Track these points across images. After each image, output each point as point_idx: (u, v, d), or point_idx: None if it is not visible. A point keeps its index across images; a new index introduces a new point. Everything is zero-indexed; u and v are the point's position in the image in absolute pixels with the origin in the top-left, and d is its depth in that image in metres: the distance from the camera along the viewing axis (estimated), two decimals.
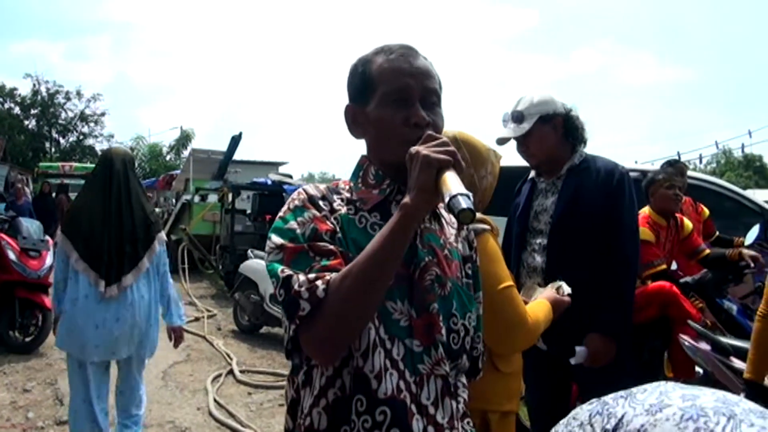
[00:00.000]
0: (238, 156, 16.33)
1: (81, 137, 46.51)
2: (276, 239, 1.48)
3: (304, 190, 1.56)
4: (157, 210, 21.01)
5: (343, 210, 1.54)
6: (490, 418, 2.18)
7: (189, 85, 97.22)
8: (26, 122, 44.32)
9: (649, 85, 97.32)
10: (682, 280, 4.81)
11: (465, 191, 1.26)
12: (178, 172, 23.11)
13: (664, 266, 4.59)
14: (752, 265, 4.71)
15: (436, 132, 1.49)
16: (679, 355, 4.45)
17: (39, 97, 44.20)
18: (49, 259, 7.53)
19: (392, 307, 1.46)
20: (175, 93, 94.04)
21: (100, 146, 46.56)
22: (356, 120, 1.63)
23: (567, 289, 2.38)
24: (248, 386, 6.49)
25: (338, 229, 1.49)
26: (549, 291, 2.38)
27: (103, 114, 46.50)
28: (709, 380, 4.05)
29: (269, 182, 13.52)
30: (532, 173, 3.44)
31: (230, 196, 12.92)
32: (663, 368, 4.77)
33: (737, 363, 3.78)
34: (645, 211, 4.85)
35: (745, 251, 4.81)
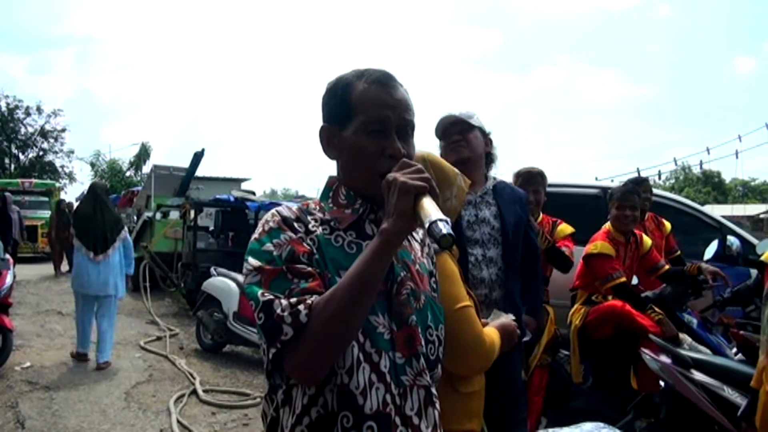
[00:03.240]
0: (200, 172, 16.24)
1: (41, 153, 45.80)
2: (253, 261, 1.49)
3: (278, 213, 1.57)
4: None
5: (319, 230, 1.56)
6: None
7: (151, 101, 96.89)
8: None
9: (609, 103, 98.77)
10: (642, 295, 4.87)
11: (443, 216, 1.32)
12: (140, 188, 22.88)
13: (623, 279, 4.65)
14: (710, 281, 4.77)
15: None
16: (643, 370, 4.51)
17: None
18: (9, 279, 7.39)
19: (376, 321, 1.50)
20: (138, 108, 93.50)
21: (60, 162, 45.96)
22: (331, 142, 1.65)
23: (510, 316, 2.45)
24: (212, 406, 6.42)
25: (315, 251, 1.51)
26: (500, 319, 2.42)
27: (63, 130, 45.74)
28: (671, 393, 4.12)
29: (232, 199, 13.41)
30: None
31: (192, 212, 12.82)
32: (628, 383, 4.84)
33: (698, 375, 3.84)
34: (606, 226, 4.92)
35: (705, 266, 4.88)
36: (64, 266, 17.12)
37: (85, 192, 8.10)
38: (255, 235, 1.55)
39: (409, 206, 1.35)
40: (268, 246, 1.50)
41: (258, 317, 1.43)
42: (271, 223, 1.54)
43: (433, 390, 1.59)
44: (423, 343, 1.56)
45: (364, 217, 1.60)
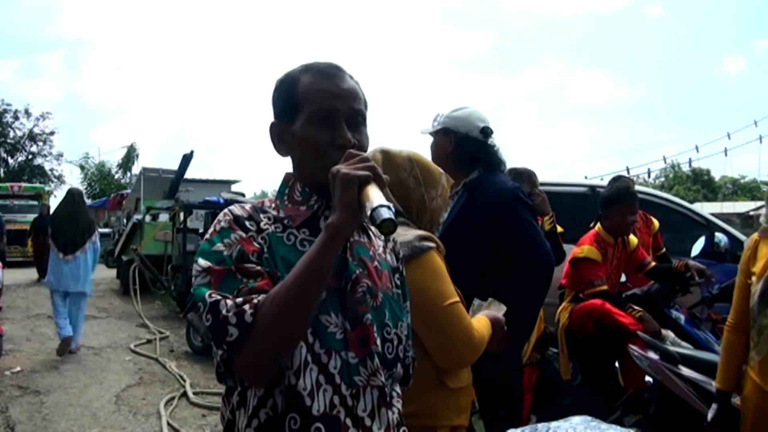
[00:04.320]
0: (189, 174, 16.17)
1: (30, 157, 45.69)
2: (202, 262, 1.46)
3: (230, 211, 1.55)
4: (107, 230, 20.74)
5: (271, 228, 1.53)
6: None
7: (141, 103, 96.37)
8: None
9: (599, 103, 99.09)
10: (630, 292, 4.89)
11: (386, 203, 1.29)
12: (129, 191, 22.84)
13: (605, 287, 4.66)
14: (697, 278, 4.79)
15: (361, 151, 1.51)
16: (630, 367, 4.54)
17: None
18: None
19: (327, 320, 1.47)
20: (127, 111, 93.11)
21: (49, 165, 45.89)
22: (282, 138, 1.63)
23: (503, 308, 2.43)
24: (202, 408, 6.42)
25: (266, 249, 1.49)
26: (491, 310, 2.41)
27: (52, 133, 45.77)
28: (659, 388, 4.13)
29: (222, 201, 13.34)
30: None
31: (182, 215, 12.78)
32: (616, 380, 4.86)
33: (685, 371, 3.86)
34: (596, 228, 4.92)
35: (692, 263, 4.90)
36: None
37: (65, 197, 8.99)
38: (206, 236, 1.52)
39: (354, 197, 1.32)
40: (219, 246, 1.46)
41: (206, 319, 1.40)
42: (222, 223, 1.51)
43: (391, 390, 1.58)
44: (379, 342, 1.53)
45: (319, 214, 1.57)
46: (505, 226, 3.23)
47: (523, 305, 3.19)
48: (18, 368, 7.73)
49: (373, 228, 1.66)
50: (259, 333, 1.34)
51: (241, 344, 1.35)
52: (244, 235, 1.48)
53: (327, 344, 1.46)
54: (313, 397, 1.42)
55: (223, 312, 1.36)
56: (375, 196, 1.31)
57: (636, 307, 4.54)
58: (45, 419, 5.97)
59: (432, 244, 2.16)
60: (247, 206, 1.59)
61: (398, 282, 1.71)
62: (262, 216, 1.55)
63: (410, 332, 1.70)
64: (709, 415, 3.23)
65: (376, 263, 1.61)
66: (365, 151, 1.56)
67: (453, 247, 3.13)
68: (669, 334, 4.42)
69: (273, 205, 1.61)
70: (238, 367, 1.39)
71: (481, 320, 2.29)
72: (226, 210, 1.56)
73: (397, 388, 1.64)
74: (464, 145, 3.39)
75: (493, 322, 2.33)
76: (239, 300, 1.37)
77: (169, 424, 5.82)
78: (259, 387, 1.45)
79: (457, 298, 2.15)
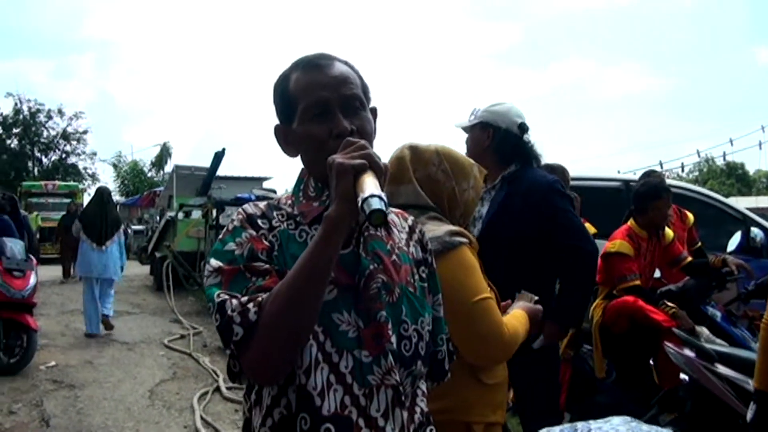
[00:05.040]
0: (221, 172, 16.30)
1: (63, 156, 46.34)
2: (214, 262, 1.44)
3: (243, 210, 1.52)
4: (141, 227, 21.13)
5: (283, 225, 1.50)
6: (474, 429, 2.16)
7: (172, 102, 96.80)
8: (8, 141, 44.12)
9: (630, 96, 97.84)
10: (665, 288, 4.83)
11: (378, 192, 1.24)
12: (161, 189, 23.05)
13: (637, 282, 4.63)
14: (736, 272, 4.73)
15: (365, 137, 1.47)
16: (664, 364, 4.48)
17: (21, 116, 44.01)
18: (32, 279, 7.49)
19: (339, 318, 1.43)
20: (158, 110, 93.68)
21: (83, 164, 46.55)
22: (287, 140, 1.59)
23: (534, 299, 2.39)
24: (235, 403, 6.42)
25: (276, 247, 1.46)
26: (524, 301, 2.37)
27: (85, 132, 46.43)
28: (695, 387, 4.08)
29: (253, 198, 13.44)
30: None
31: (214, 212, 12.88)
32: (651, 377, 4.80)
33: (722, 369, 3.80)
34: (629, 223, 4.87)
35: (730, 258, 4.84)
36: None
37: (94, 195, 10.47)
38: (220, 236, 1.50)
39: (349, 187, 1.27)
40: (230, 245, 1.44)
41: (215, 318, 1.37)
42: (235, 222, 1.49)
43: (413, 388, 1.54)
44: (393, 339, 1.46)
45: None
46: (547, 217, 3.29)
47: (571, 293, 3.32)
48: (53, 363, 7.82)
49: (396, 220, 1.64)
50: (263, 331, 1.31)
51: (247, 343, 1.33)
52: (254, 233, 1.46)
53: (338, 343, 1.42)
54: (324, 397, 1.39)
55: (228, 311, 1.34)
56: (368, 185, 1.25)
57: (669, 304, 4.49)
58: (79, 413, 6.03)
59: (463, 239, 2.13)
60: (262, 204, 1.56)
61: (423, 275, 1.64)
62: (275, 213, 1.52)
63: (440, 327, 1.67)
64: (748, 416, 3.16)
65: (394, 257, 1.55)
66: (369, 135, 1.52)
67: (495, 240, 3.16)
68: (703, 330, 4.36)
69: (289, 201, 1.57)
70: (247, 366, 1.37)
71: (516, 315, 2.25)
72: (239, 209, 1.53)
73: (423, 386, 1.59)
74: (502, 140, 3.43)
75: (530, 313, 2.29)
76: (244, 299, 1.35)
77: (202, 418, 5.85)
78: (269, 386, 1.43)
79: (487, 294, 2.12)
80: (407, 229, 1.67)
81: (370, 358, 1.43)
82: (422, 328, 1.55)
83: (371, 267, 1.48)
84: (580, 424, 0.83)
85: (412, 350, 1.52)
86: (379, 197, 1.22)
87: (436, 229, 2.11)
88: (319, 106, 1.49)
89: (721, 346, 4.07)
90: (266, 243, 1.45)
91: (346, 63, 1.59)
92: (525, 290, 2.44)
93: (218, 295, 1.37)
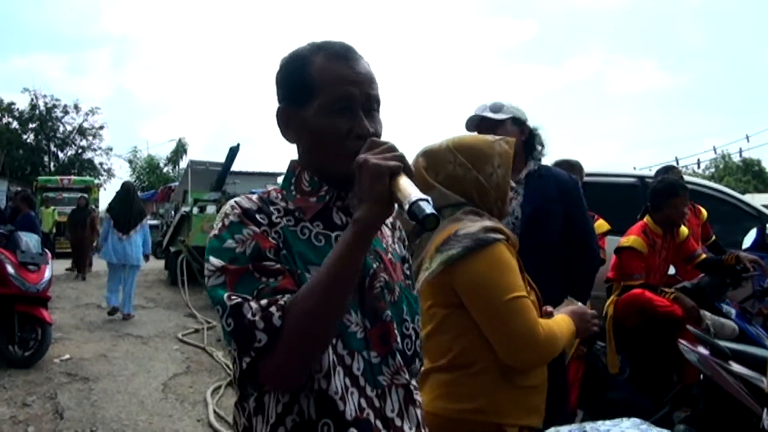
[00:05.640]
0: (236, 167, 16.35)
1: (79, 150, 46.56)
2: (215, 261, 1.35)
3: (238, 204, 1.43)
4: (156, 222, 21.33)
5: (283, 222, 1.42)
6: None
7: (187, 97, 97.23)
8: (24, 136, 44.37)
9: (645, 92, 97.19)
10: (679, 285, 4.81)
11: (423, 195, 1.20)
12: (176, 184, 23.11)
13: (641, 281, 4.64)
14: (751, 269, 4.70)
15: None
16: (684, 360, 4.45)
17: (37, 111, 44.24)
18: (47, 273, 7.54)
19: (348, 320, 1.39)
20: (174, 105, 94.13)
21: (99, 159, 46.77)
22: (290, 124, 1.50)
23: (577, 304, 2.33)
24: None
25: (281, 245, 1.38)
26: (568, 305, 2.31)
27: (101, 127, 46.59)
28: (709, 384, 4.05)
29: None
30: None
31: None
32: (665, 374, 4.78)
33: (736, 367, 3.77)
34: (645, 219, 4.84)
35: (744, 255, 4.80)
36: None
37: (120, 189, 11.22)
38: (215, 231, 1.40)
39: (385, 189, 1.22)
40: (230, 243, 1.35)
41: (226, 323, 1.29)
42: (231, 217, 1.39)
43: (413, 387, 1.49)
44: (399, 338, 1.44)
45: (331, 206, 1.47)
46: (571, 214, 3.41)
47: (579, 294, 3.28)
48: (67, 356, 7.87)
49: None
50: (289, 337, 1.25)
51: (271, 350, 1.26)
52: (257, 230, 1.38)
53: (349, 345, 1.38)
54: (345, 401, 1.34)
55: (248, 316, 1.26)
56: (410, 188, 1.22)
57: (667, 290, 4.52)
58: (93, 406, 6.07)
59: (499, 236, 2.07)
60: (255, 197, 1.47)
61: (408, 272, 1.62)
62: (271, 208, 1.44)
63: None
64: (765, 423, 3.13)
65: (390, 255, 1.53)
66: (380, 137, 1.44)
67: (534, 236, 3.19)
68: (706, 314, 4.36)
69: (280, 195, 1.49)
70: (267, 373, 1.29)
71: (557, 319, 2.18)
72: (232, 202, 1.44)
73: (415, 382, 1.54)
74: (534, 137, 3.48)
75: (573, 317, 2.22)
76: (264, 302, 1.28)
77: (215, 412, 5.87)
78: (288, 392, 1.36)
79: (522, 293, 2.04)
80: (390, 225, 1.64)
81: (379, 358, 1.42)
82: (418, 326, 1.55)
83: (374, 266, 1.46)
84: (588, 426, 0.81)
85: (413, 349, 1.51)
86: (427, 200, 1.19)
87: (472, 226, 2.08)
88: (346, 101, 1.42)
89: (735, 344, 4.04)
90: (272, 241, 1.38)
91: (365, 60, 1.53)
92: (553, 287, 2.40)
93: (229, 297, 1.30)
